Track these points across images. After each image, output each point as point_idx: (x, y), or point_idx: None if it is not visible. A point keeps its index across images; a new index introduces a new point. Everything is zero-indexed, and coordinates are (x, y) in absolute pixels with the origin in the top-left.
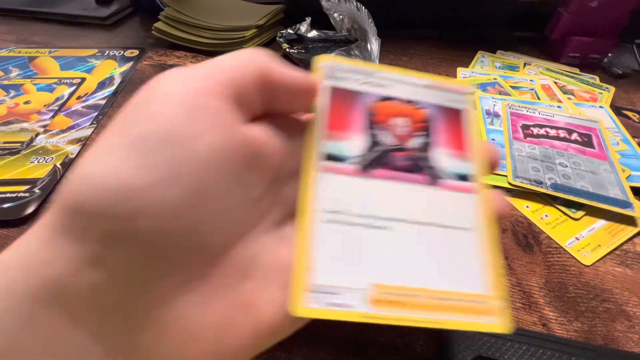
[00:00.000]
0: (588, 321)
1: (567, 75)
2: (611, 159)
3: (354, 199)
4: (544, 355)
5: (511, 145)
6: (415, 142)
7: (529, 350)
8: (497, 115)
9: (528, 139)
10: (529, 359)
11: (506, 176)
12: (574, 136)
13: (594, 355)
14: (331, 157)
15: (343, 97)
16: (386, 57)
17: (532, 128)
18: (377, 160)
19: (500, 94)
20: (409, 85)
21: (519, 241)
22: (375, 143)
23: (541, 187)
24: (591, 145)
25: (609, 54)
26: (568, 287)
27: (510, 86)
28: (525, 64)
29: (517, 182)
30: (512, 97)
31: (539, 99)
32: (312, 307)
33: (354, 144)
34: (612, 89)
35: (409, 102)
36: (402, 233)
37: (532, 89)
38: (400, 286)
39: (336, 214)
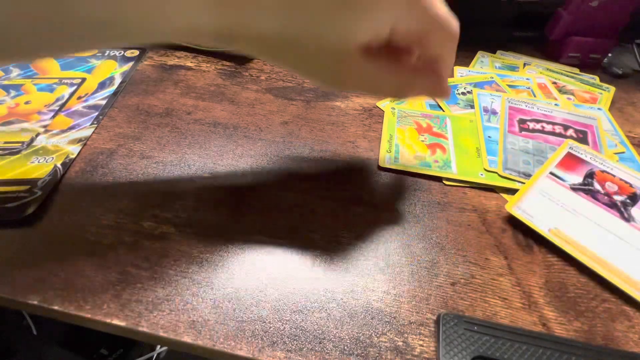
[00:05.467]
0: (588, 321)
1: (567, 75)
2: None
3: (558, 192)
4: (544, 355)
5: (505, 139)
6: (619, 198)
7: (528, 350)
8: (494, 112)
9: (523, 132)
10: (529, 359)
11: (497, 172)
12: (570, 132)
13: (594, 355)
14: (555, 175)
15: (574, 158)
16: None
17: (528, 122)
18: (582, 190)
19: (497, 92)
20: (626, 173)
21: (519, 241)
22: (586, 183)
23: (528, 180)
24: (586, 142)
25: (609, 54)
26: (568, 287)
27: (507, 85)
28: (525, 64)
29: (506, 174)
30: (509, 96)
31: (535, 97)
32: (515, 209)
33: (573, 177)
34: (612, 89)
35: (622, 180)
36: (580, 219)
37: (529, 88)
38: (570, 236)
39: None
